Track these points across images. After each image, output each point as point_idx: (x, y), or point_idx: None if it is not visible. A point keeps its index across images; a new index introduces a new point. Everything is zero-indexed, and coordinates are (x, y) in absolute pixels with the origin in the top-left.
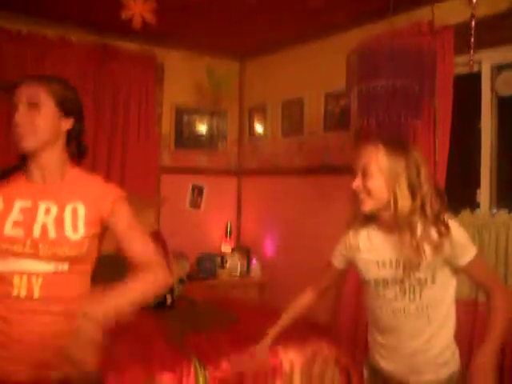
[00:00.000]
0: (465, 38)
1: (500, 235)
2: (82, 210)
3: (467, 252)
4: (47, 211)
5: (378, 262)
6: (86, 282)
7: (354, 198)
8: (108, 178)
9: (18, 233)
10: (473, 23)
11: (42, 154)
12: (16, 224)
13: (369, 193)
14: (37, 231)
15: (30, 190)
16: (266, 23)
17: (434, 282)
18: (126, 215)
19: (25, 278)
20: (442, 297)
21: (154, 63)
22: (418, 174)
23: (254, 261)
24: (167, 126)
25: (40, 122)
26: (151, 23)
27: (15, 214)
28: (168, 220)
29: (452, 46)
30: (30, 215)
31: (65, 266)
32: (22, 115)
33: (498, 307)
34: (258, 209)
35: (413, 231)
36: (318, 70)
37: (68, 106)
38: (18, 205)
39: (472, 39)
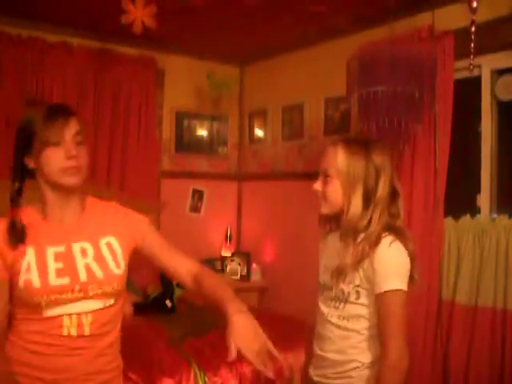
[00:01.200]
0: (465, 42)
1: (500, 240)
2: (116, 244)
3: (384, 282)
4: (83, 252)
5: (325, 266)
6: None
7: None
8: (108, 182)
9: (64, 281)
10: (473, 28)
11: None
12: (59, 272)
13: (325, 197)
14: (83, 275)
15: (56, 233)
16: (266, 28)
17: (357, 298)
18: (158, 236)
19: (74, 317)
20: (366, 317)
21: (155, 68)
22: (377, 179)
23: (254, 265)
24: (167, 130)
25: (87, 157)
26: (152, 28)
27: (52, 262)
28: (168, 224)
29: (452, 51)
30: (68, 260)
31: (111, 301)
32: (75, 149)
33: (381, 371)
34: (259, 213)
35: (353, 241)
36: (319, 74)
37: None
38: (51, 251)
39: (472, 44)
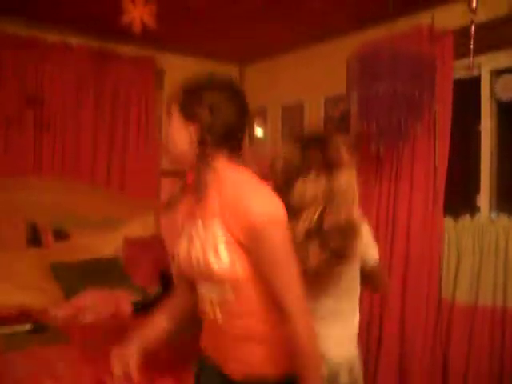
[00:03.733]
0: (464, 42)
1: (500, 240)
2: (219, 230)
3: None
4: (206, 229)
5: None
6: (261, 296)
7: None
8: (108, 182)
9: (187, 259)
10: (472, 28)
11: (187, 167)
12: (183, 249)
13: None
14: (195, 262)
15: (192, 208)
16: (265, 28)
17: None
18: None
19: (208, 301)
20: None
21: (154, 67)
22: None
23: None
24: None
25: (171, 133)
26: (151, 27)
27: (184, 240)
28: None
29: (452, 51)
30: (193, 236)
31: (229, 291)
32: (165, 130)
33: None
34: None
35: None
36: (318, 74)
37: (190, 110)
38: (186, 225)
39: (472, 44)
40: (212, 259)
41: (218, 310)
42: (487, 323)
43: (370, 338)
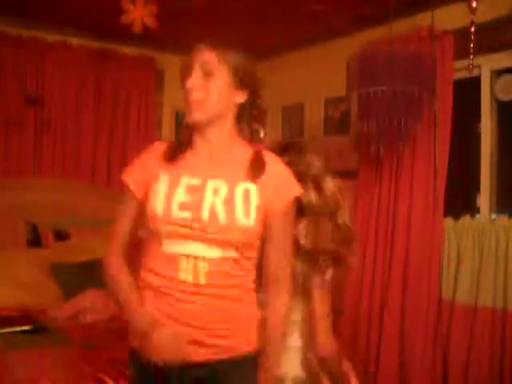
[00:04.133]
0: (464, 42)
1: (500, 240)
2: (254, 193)
3: None
4: (216, 191)
5: None
6: (251, 268)
7: None
8: (108, 181)
9: (185, 215)
10: (472, 28)
11: (211, 127)
12: (183, 206)
13: None
14: (205, 214)
15: (197, 166)
16: (266, 29)
17: None
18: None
19: (191, 262)
20: None
21: (154, 67)
22: None
23: None
24: (167, 130)
25: (212, 91)
26: (152, 28)
27: (181, 194)
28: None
29: (452, 51)
30: (197, 195)
31: (232, 252)
32: (194, 80)
33: None
34: None
35: None
36: (319, 74)
37: (244, 78)
38: (185, 182)
39: (472, 44)
40: (240, 216)
41: (203, 272)
42: (487, 324)
43: (370, 338)
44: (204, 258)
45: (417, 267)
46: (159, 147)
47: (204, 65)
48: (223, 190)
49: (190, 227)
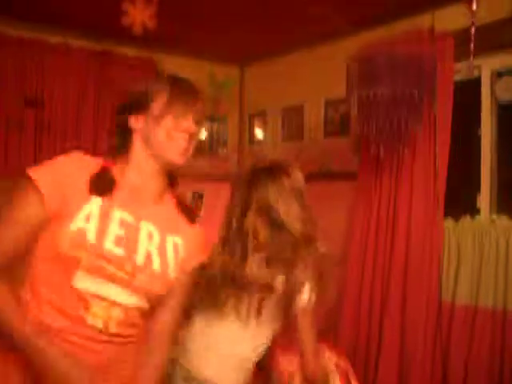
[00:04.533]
0: (465, 44)
1: (500, 241)
2: (181, 249)
3: None
4: (150, 236)
5: None
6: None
7: None
8: None
9: (119, 252)
10: (473, 29)
11: (165, 173)
12: (118, 241)
13: None
14: (141, 259)
15: (131, 200)
16: (266, 29)
17: None
18: (183, 288)
19: (105, 306)
20: None
21: (155, 69)
22: None
23: None
24: None
25: (196, 141)
26: (152, 29)
27: (115, 226)
28: None
29: (452, 52)
30: (132, 233)
31: (145, 303)
32: (196, 126)
33: None
34: None
35: None
36: (319, 76)
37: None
38: (118, 215)
39: (472, 45)
40: (171, 269)
41: (116, 320)
42: (488, 325)
43: (369, 339)
44: (120, 305)
45: (417, 268)
46: (81, 161)
47: (197, 113)
48: (156, 237)
49: (120, 267)
